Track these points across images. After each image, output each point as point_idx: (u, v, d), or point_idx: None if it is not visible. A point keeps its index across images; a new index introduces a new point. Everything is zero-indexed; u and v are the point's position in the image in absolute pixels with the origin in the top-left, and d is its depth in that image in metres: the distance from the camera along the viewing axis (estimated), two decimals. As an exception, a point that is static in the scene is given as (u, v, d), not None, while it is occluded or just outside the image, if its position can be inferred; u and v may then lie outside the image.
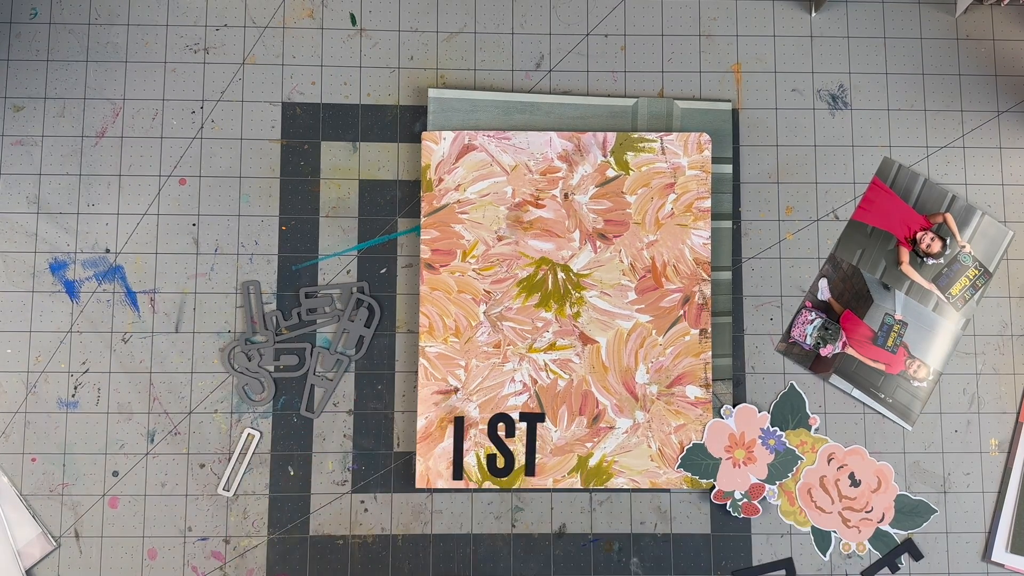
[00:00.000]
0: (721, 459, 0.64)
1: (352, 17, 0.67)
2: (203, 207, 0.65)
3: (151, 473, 0.63)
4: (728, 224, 0.65)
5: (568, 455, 0.63)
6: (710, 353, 0.64)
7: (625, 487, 0.63)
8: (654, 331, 0.64)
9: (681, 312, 0.64)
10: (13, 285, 0.64)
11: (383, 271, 0.65)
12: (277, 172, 0.66)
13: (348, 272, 0.65)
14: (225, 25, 0.67)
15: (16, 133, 0.65)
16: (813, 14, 0.68)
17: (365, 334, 0.64)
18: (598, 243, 0.64)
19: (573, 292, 0.64)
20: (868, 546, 0.63)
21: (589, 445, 0.63)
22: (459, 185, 0.64)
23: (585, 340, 0.64)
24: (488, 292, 0.64)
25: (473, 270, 0.64)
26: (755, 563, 0.63)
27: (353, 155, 0.66)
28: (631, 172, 0.65)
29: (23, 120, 0.65)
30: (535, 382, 0.63)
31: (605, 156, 0.65)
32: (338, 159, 0.66)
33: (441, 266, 0.64)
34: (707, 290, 0.64)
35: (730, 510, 0.63)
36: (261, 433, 0.63)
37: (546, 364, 0.63)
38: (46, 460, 0.63)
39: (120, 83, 0.66)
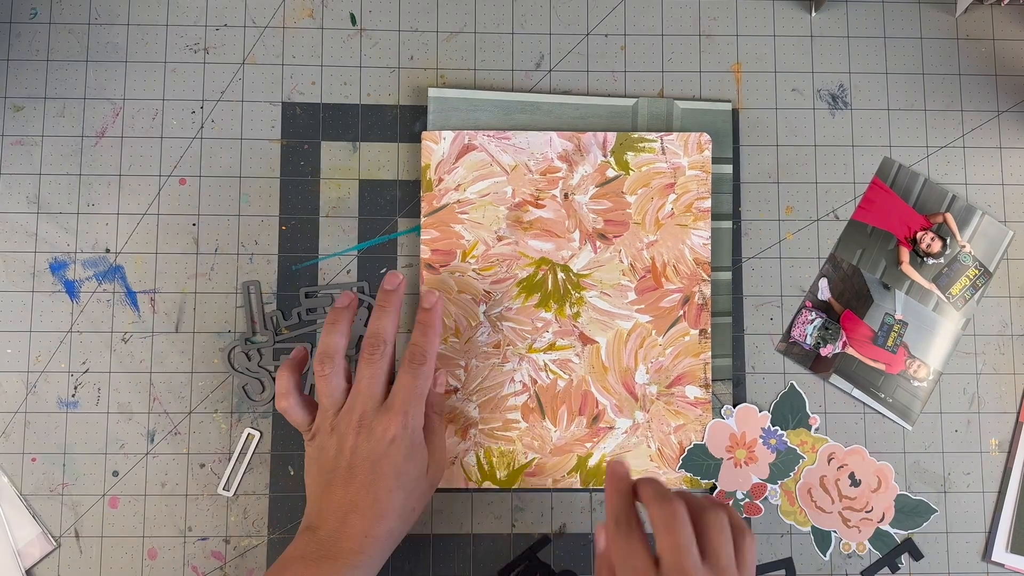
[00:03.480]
0: (722, 459, 0.64)
1: (352, 17, 0.67)
2: (203, 207, 0.65)
3: (151, 473, 0.63)
4: (728, 224, 0.65)
5: (568, 455, 0.63)
6: (710, 353, 0.64)
7: None
8: (654, 331, 0.64)
9: (681, 312, 0.64)
10: (13, 285, 0.64)
11: (383, 271, 0.65)
12: (277, 172, 0.66)
13: (348, 272, 0.65)
14: (225, 25, 0.67)
15: (16, 133, 0.65)
16: (813, 14, 0.68)
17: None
18: (598, 243, 0.64)
19: (573, 292, 0.64)
20: (868, 546, 0.63)
21: (589, 445, 0.63)
22: (459, 185, 0.64)
23: (585, 340, 0.64)
24: (488, 292, 0.64)
25: (473, 270, 0.64)
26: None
27: (353, 155, 0.66)
28: (631, 172, 0.64)
29: (23, 120, 0.65)
30: (535, 382, 0.63)
31: (605, 156, 0.65)
32: (338, 159, 0.66)
33: (441, 266, 0.64)
34: (707, 290, 0.64)
35: None
36: (261, 433, 0.63)
37: (546, 364, 0.63)
38: (46, 460, 0.63)
39: (120, 83, 0.66)
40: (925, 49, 0.68)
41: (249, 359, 0.64)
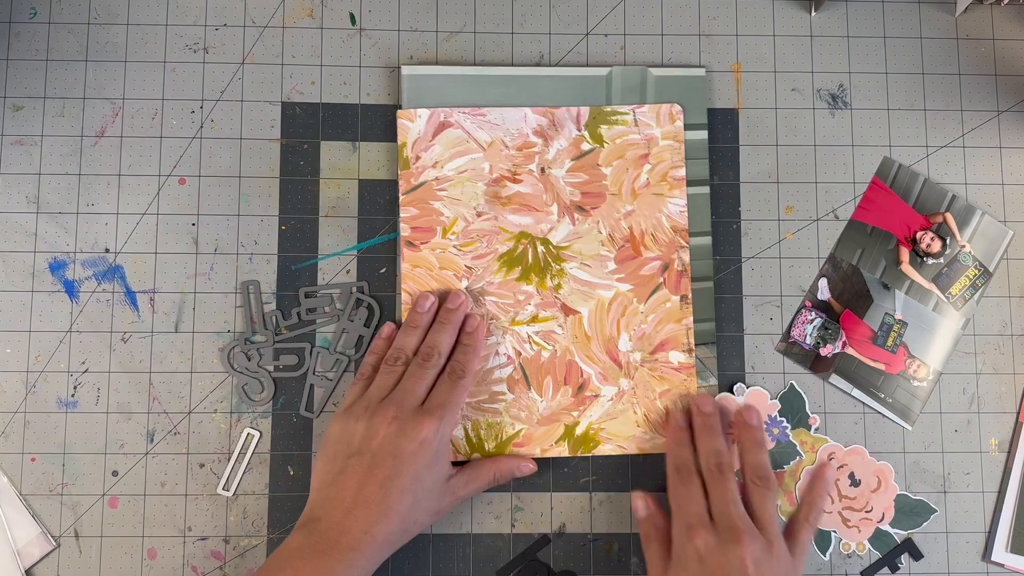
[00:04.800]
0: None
1: (352, 16, 0.67)
2: (203, 207, 0.65)
3: (151, 473, 0.63)
4: (705, 190, 0.66)
5: (555, 424, 0.63)
6: (691, 319, 0.64)
7: (613, 453, 0.63)
8: (635, 299, 0.64)
9: (661, 279, 0.64)
10: (13, 285, 0.64)
11: (383, 271, 0.65)
12: (276, 172, 0.66)
13: (348, 272, 0.65)
14: (225, 25, 0.67)
15: (16, 133, 0.65)
16: (813, 14, 0.68)
17: (364, 333, 0.64)
18: (576, 215, 0.65)
19: (553, 264, 0.64)
20: (868, 546, 0.63)
21: (575, 414, 0.63)
22: (436, 162, 0.65)
23: (567, 311, 0.64)
24: (469, 268, 0.64)
25: (454, 246, 0.64)
26: (755, 563, 0.63)
27: (353, 155, 0.66)
28: (605, 145, 0.65)
29: (23, 120, 0.65)
30: (519, 354, 0.64)
31: (579, 130, 0.65)
32: (338, 159, 0.66)
33: (421, 243, 0.64)
34: (686, 257, 0.64)
35: None
36: (261, 433, 0.63)
37: (529, 336, 0.64)
38: (45, 460, 0.63)
39: (120, 83, 0.66)
40: (925, 49, 0.68)
41: (248, 359, 0.64)
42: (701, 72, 0.66)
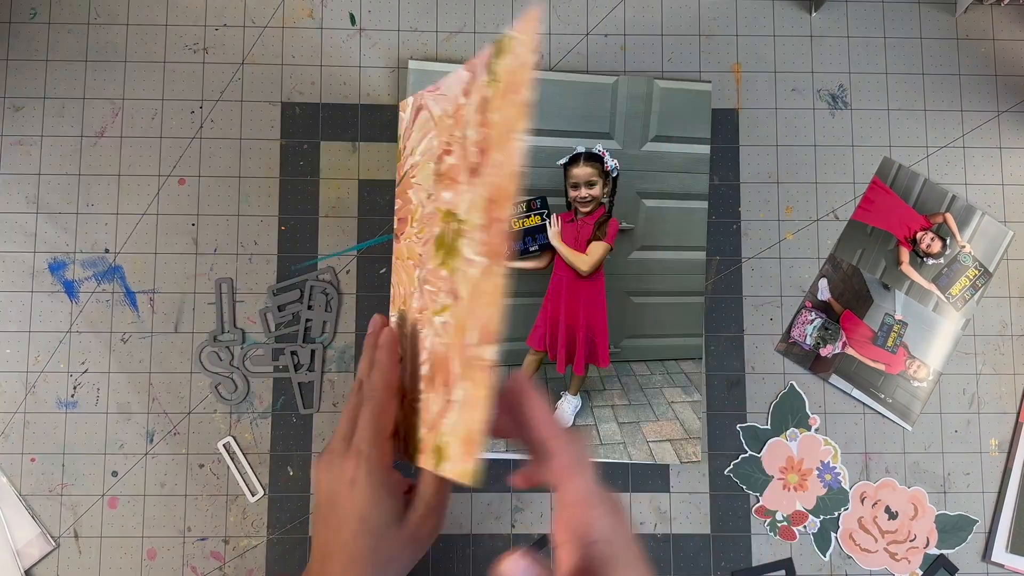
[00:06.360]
0: (772, 477, 0.63)
1: (352, 17, 0.67)
2: (202, 207, 0.65)
3: (150, 473, 0.63)
4: (703, 204, 0.65)
5: (436, 431, 0.49)
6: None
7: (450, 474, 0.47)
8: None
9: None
10: (12, 285, 0.64)
11: (383, 271, 0.65)
12: (276, 172, 0.66)
13: (348, 272, 0.65)
14: (224, 25, 0.67)
15: (15, 133, 0.65)
16: (813, 14, 0.68)
17: (328, 319, 0.64)
18: (475, 180, 0.47)
19: (458, 243, 0.49)
20: (920, 573, 0.63)
21: (445, 421, 0.48)
22: (413, 150, 0.57)
23: (456, 297, 0.48)
24: (420, 255, 0.54)
25: (415, 235, 0.55)
26: (755, 564, 0.63)
27: (352, 155, 0.66)
28: (499, 83, 0.45)
29: (22, 120, 0.65)
30: (432, 349, 0.50)
31: (487, 74, 0.47)
32: (337, 159, 0.66)
33: (400, 234, 0.60)
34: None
35: (767, 528, 0.63)
36: (261, 434, 0.63)
37: (437, 328, 0.50)
38: (45, 460, 0.63)
39: (119, 83, 0.66)
40: (925, 49, 0.68)
41: (220, 359, 0.63)
42: (707, 87, 0.66)
